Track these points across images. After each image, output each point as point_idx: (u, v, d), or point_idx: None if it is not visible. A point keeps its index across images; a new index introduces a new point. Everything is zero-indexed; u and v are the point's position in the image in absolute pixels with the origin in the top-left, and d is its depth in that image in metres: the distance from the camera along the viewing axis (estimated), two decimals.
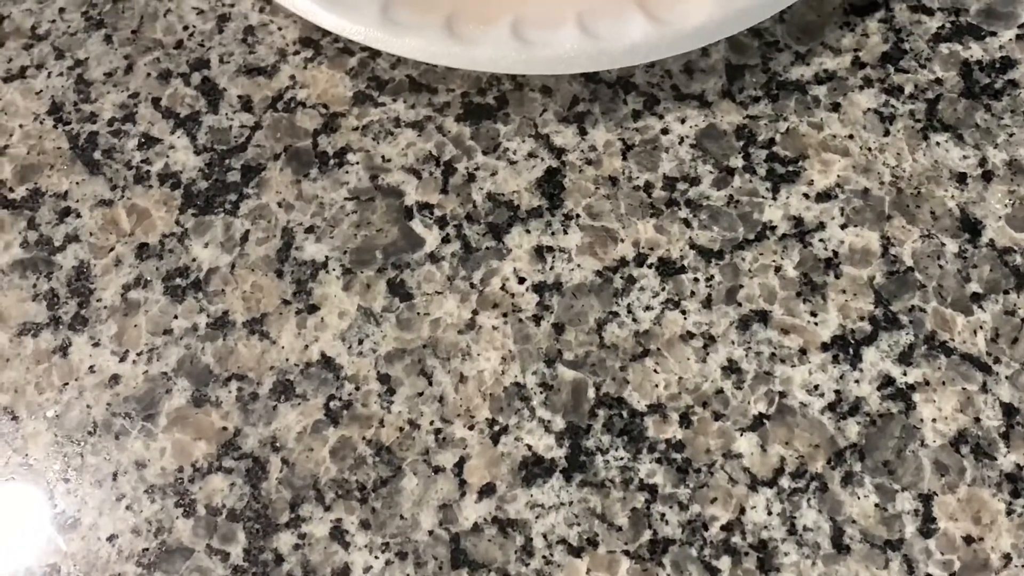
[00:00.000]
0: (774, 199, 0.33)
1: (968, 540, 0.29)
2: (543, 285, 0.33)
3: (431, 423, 0.31)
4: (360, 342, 0.32)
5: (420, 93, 0.36)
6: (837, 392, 0.31)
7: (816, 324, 0.31)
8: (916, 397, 0.30)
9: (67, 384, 0.33)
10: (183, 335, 0.33)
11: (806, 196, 0.33)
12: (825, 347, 0.31)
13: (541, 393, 0.31)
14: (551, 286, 0.33)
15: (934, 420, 0.30)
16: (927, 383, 0.30)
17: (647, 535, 0.29)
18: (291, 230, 0.34)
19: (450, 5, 0.35)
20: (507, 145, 0.35)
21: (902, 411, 0.30)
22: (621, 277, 0.33)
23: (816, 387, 0.31)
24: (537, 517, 0.30)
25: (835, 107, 0.34)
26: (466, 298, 0.33)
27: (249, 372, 0.32)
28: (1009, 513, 0.29)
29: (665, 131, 0.35)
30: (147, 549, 0.30)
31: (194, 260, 0.34)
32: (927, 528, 0.29)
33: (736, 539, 0.29)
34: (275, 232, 0.34)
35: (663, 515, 0.30)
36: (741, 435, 0.30)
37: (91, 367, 0.33)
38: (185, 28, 0.38)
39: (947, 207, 0.33)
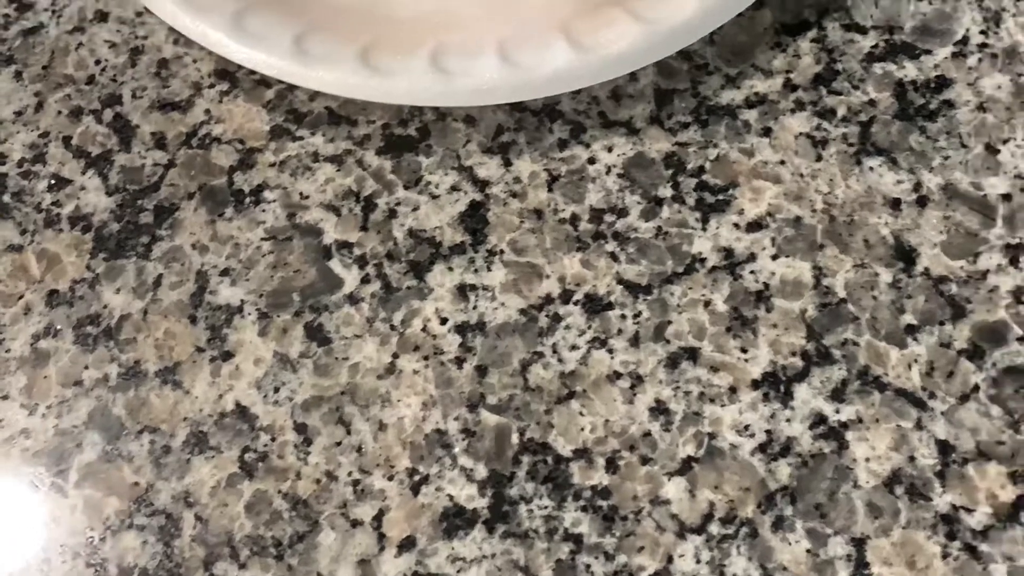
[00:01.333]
0: (703, 230, 0.32)
1: None
2: (466, 325, 0.31)
3: (349, 474, 0.30)
4: (276, 390, 0.31)
5: (339, 126, 0.35)
6: (768, 432, 0.29)
7: (746, 361, 0.30)
8: (849, 436, 0.29)
9: None
10: (94, 386, 0.32)
11: (736, 226, 0.32)
12: (756, 385, 0.30)
13: (463, 440, 0.30)
14: (474, 326, 0.31)
15: (867, 460, 0.29)
16: (860, 420, 0.29)
17: None
18: (205, 273, 0.33)
19: (368, 35, 0.34)
20: (429, 178, 0.34)
21: (835, 451, 0.29)
22: (546, 315, 0.31)
23: (746, 427, 0.30)
24: (459, 571, 0.29)
25: (766, 132, 0.33)
26: (386, 341, 0.31)
27: (162, 424, 0.31)
28: (945, 556, 0.28)
29: (592, 160, 0.34)
30: None
31: (105, 307, 0.33)
32: (860, 574, 0.28)
33: None
34: (189, 276, 0.33)
35: (588, 566, 0.28)
36: (669, 479, 0.29)
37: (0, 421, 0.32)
38: (97, 63, 0.37)
39: (881, 235, 0.31)
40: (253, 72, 0.36)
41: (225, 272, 0.33)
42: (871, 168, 0.32)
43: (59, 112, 0.36)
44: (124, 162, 0.35)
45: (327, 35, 0.34)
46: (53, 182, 0.35)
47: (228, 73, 0.36)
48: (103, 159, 0.35)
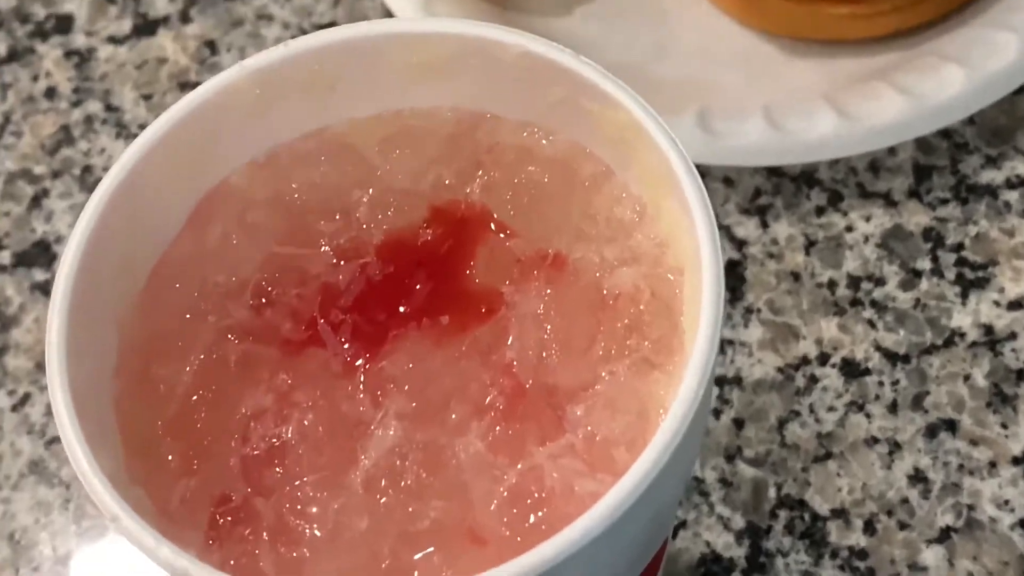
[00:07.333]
0: (963, 305, 0.33)
1: None
2: (723, 378, 0.32)
3: None
4: None
5: None
6: None
7: (1007, 437, 0.31)
8: None
9: None
10: None
11: (997, 304, 0.33)
12: (1016, 461, 0.30)
13: (720, 489, 0.31)
14: (731, 380, 0.32)
15: None
16: None
17: None
18: None
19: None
20: None
21: None
22: (803, 375, 0.32)
23: (1006, 502, 0.30)
24: None
25: None
26: None
27: None
28: None
29: (849, 228, 0.34)
30: None
31: None
32: None
33: None
34: None
35: None
36: (927, 547, 0.30)
37: None
38: None
39: None
40: None
41: None
42: None
43: None
44: None
45: None
46: None
47: None
48: None
